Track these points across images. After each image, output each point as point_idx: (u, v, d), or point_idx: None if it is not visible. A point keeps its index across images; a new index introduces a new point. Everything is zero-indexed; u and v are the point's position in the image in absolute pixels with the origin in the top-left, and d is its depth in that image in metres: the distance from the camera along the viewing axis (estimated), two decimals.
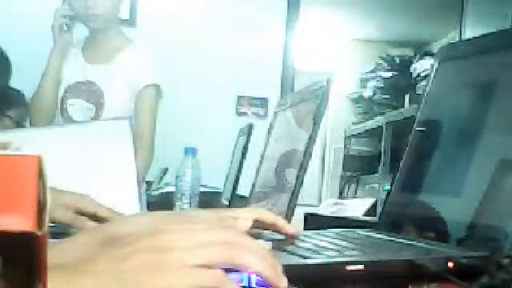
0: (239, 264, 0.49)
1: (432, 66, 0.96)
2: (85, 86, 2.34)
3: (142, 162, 2.35)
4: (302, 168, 0.94)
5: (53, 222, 1.19)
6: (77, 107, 2.34)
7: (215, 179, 2.06)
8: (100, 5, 2.27)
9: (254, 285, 0.55)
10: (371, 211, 2.52)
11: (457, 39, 4.11)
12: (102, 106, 2.33)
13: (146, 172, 2.37)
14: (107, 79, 2.33)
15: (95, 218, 1.20)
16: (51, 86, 2.32)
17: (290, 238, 0.79)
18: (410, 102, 4.19)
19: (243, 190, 1.53)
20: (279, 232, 0.79)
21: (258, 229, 0.79)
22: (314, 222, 1.64)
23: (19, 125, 2.62)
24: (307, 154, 0.94)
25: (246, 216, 0.77)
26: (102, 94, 2.33)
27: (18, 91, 2.68)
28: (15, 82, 2.69)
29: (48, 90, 2.33)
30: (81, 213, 1.19)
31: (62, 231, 1.15)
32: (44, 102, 2.34)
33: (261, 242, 0.75)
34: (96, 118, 2.32)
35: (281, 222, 0.79)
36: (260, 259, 0.50)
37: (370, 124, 4.73)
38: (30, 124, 2.46)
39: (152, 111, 2.37)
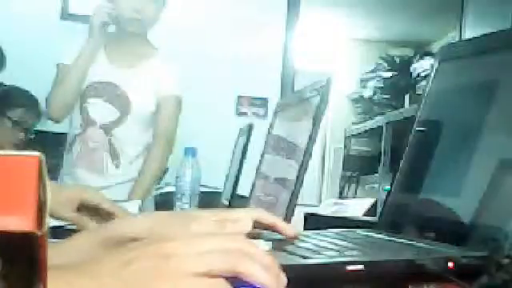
0: (241, 273, 0.49)
1: (432, 65, 0.96)
2: (108, 87, 2.31)
3: (160, 164, 2.34)
4: (302, 168, 0.94)
5: (58, 219, 1.19)
6: (98, 108, 2.31)
7: (215, 179, 2.06)
8: (145, 10, 2.27)
9: None
10: (371, 211, 2.51)
11: (457, 39, 4.11)
12: (127, 111, 2.31)
13: (153, 182, 2.36)
14: (132, 84, 2.32)
15: (98, 209, 1.20)
16: (77, 79, 2.28)
17: (290, 240, 0.78)
18: (410, 102, 4.19)
19: (243, 190, 1.53)
20: (279, 233, 0.79)
21: (259, 228, 0.79)
22: (313, 222, 1.64)
23: (19, 126, 2.63)
24: (307, 153, 0.94)
25: (245, 217, 0.77)
26: (127, 100, 2.31)
27: (23, 91, 2.68)
28: (15, 82, 2.69)
29: (73, 83, 2.28)
30: (84, 205, 1.19)
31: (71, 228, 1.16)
32: (65, 98, 2.29)
33: (261, 242, 0.75)
34: (119, 122, 2.31)
35: (280, 223, 0.79)
36: (263, 269, 0.49)
37: (370, 124, 4.73)
38: (41, 118, 2.43)
39: (174, 119, 2.36)
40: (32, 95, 2.66)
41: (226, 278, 0.49)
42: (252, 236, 0.77)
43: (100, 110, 2.30)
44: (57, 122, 2.37)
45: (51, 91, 2.33)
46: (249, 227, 0.75)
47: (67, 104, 2.30)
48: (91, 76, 2.30)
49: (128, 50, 2.35)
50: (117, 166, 2.31)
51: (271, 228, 0.79)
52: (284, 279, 0.51)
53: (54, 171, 2.35)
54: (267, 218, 0.78)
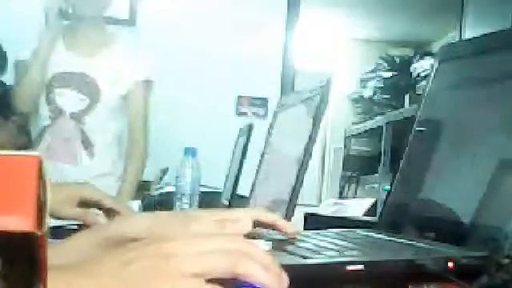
0: (241, 274, 0.49)
1: (432, 65, 0.96)
2: (76, 76, 2.31)
3: (136, 161, 2.35)
4: (302, 168, 0.94)
5: (60, 219, 1.19)
6: (67, 97, 2.30)
7: (215, 179, 2.05)
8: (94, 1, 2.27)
9: None
10: (371, 211, 2.51)
11: (457, 39, 4.11)
12: (96, 98, 2.31)
13: (141, 171, 2.37)
14: (99, 71, 2.31)
15: (99, 206, 1.19)
16: (40, 71, 2.27)
17: (290, 238, 0.78)
18: (410, 102, 4.18)
19: (243, 190, 1.53)
20: (279, 231, 0.79)
21: (259, 227, 0.79)
22: (313, 222, 1.64)
23: (22, 129, 2.62)
24: (307, 153, 0.94)
25: (245, 217, 0.77)
26: (97, 87, 2.31)
27: None
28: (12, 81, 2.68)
29: (36, 76, 2.27)
30: (85, 202, 1.19)
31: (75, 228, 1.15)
32: (31, 88, 2.28)
33: (261, 241, 0.75)
34: (90, 109, 2.31)
35: (280, 222, 0.79)
36: (263, 269, 0.49)
37: (370, 124, 4.73)
38: (15, 112, 2.43)
39: (144, 108, 2.37)
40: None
41: (227, 279, 0.49)
42: (252, 236, 0.77)
43: (68, 100, 2.30)
44: (25, 113, 2.37)
45: (15, 84, 2.33)
46: (249, 227, 0.75)
47: (33, 95, 2.29)
48: (55, 67, 2.30)
49: (88, 38, 2.35)
50: (91, 156, 2.31)
51: (271, 227, 0.79)
52: (285, 278, 0.51)
53: None
54: (267, 216, 0.78)
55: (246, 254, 0.50)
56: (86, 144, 2.31)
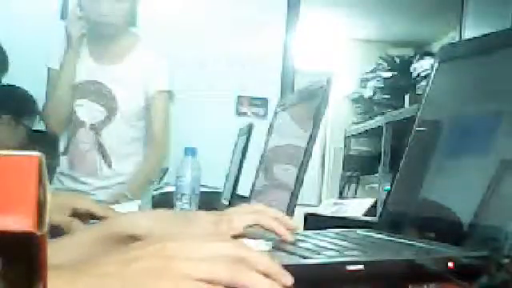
0: (244, 285, 0.49)
1: (432, 66, 0.95)
2: (94, 86, 2.30)
3: (154, 164, 2.35)
4: (302, 168, 0.94)
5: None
6: (85, 108, 2.30)
7: (215, 179, 2.05)
8: (113, 14, 2.25)
9: None
10: (371, 211, 2.51)
11: (457, 39, 4.11)
12: (114, 110, 2.30)
13: (155, 175, 2.37)
14: (118, 81, 2.31)
15: (93, 217, 1.20)
16: (67, 90, 2.27)
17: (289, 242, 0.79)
18: (410, 102, 4.18)
19: (243, 190, 1.53)
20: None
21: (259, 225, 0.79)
22: (313, 222, 1.64)
23: (21, 126, 2.62)
24: (307, 153, 0.94)
25: (244, 218, 0.77)
26: (114, 98, 2.30)
27: (23, 91, 2.68)
28: (14, 82, 2.69)
29: (65, 94, 2.27)
30: (77, 213, 1.19)
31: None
32: (62, 107, 2.29)
33: (261, 242, 0.75)
34: (107, 122, 2.31)
35: (280, 230, 0.79)
36: (264, 280, 0.49)
37: (370, 124, 4.72)
38: (46, 129, 2.44)
39: (166, 116, 2.36)
40: (31, 95, 2.66)
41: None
42: (252, 236, 0.77)
43: (87, 111, 2.30)
44: (57, 134, 2.36)
45: (45, 106, 2.33)
46: (241, 228, 0.76)
47: (64, 116, 2.30)
48: (78, 77, 2.29)
49: (111, 48, 2.33)
50: (109, 166, 2.31)
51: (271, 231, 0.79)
52: (290, 278, 0.51)
53: (50, 172, 2.35)
54: (266, 223, 0.79)
55: (247, 261, 0.50)
56: (105, 156, 2.31)
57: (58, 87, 2.27)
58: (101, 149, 2.30)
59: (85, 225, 1.18)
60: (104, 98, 2.29)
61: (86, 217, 1.20)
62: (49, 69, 2.34)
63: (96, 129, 2.30)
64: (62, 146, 2.36)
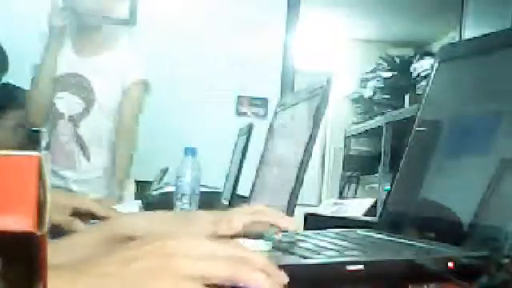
0: (242, 281, 0.49)
1: (432, 66, 0.95)
2: (75, 79, 2.30)
3: (122, 159, 2.35)
4: (302, 168, 0.94)
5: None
6: (65, 100, 2.30)
7: (215, 179, 2.05)
8: (96, 4, 2.26)
9: None
10: (371, 211, 2.51)
11: (457, 39, 4.11)
12: (92, 101, 2.31)
13: (127, 169, 2.37)
14: (97, 73, 2.31)
15: (94, 217, 1.20)
16: (49, 81, 2.27)
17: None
18: (410, 102, 4.18)
19: (243, 190, 1.53)
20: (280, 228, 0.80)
21: (259, 223, 0.79)
22: (313, 222, 1.64)
23: (21, 127, 2.62)
24: (307, 153, 0.94)
25: (243, 218, 0.78)
26: (92, 90, 2.31)
27: (23, 91, 2.67)
28: (14, 81, 2.68)
29: (46, 85, 2.27)
30: (78, 213, 1.19)
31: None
32: (44, 98, 2.29)
33: (261, 242, 0.75)
34: (85, 113, 2.31)
35: (281, 221, 0.79)
36: (263, 276, 0.49)
37: (370, 124, 4.72)
38: (29, 121, 2.44)
39: (136, 107, 2.37)
40: (21, 89, 2.65)
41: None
42: (253, 236, 0.77)
43: (66, 103, 2.30)
44: (38, 127, 2.36)
45: (27, 99, 2.32)
46: (240, 227, 0.76)
47: (45, 108, 2.30)
48: (58, 68, 2.29)
49: (92, 38, 2.34)
50: (88, 159, 2.32)
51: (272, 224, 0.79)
52: (285, 277, 0.51)
53: None
54: (268, 218, 0.79)
55: (244, 259, 0.50)
56: (83, 148, 2.32)
57: (40, 80, 2.26)
58: (79, 141, 2.31)
59: (85, 225, 1.18)
60: (84, 91, 2.29)
61: (87, 217, 1.20)
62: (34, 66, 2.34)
63: (74, 120, 2.31)
64: (44, 142, 2.36)
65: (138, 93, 2.35)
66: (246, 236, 0.77)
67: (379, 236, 0.84)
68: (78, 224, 1.17)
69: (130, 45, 2.41)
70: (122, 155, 2.34)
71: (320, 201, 6.05)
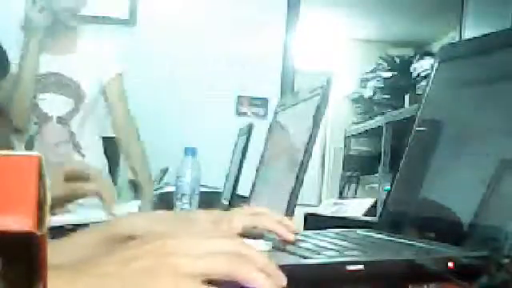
0: (241, 278, 0.49)
1: (432, 66, 0.95)
2: (54, 77, 2.28)
3: (133, 149, 2.36)
4: (302, 168, 0.94)
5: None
6: (49, 102, 2.27)
7: (215, 179, 2.05)
8: (73, 3, 2.26)
9: None
10: (371, 211, 2.51)
11: (457, 39, 4.11)
12: (80, 99, 2.31)
13: (139, 160, 2.38)
14: (76, 70, 2.29)
15: (84, 178, 1.20)
16: (32, 79, 2.22)
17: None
18: (410, 102, 4.18)
19: (243, 190, 1.53)
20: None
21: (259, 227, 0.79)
22: (313, 222, 1.64)
23: (16, 132, 2.60)
24: (307, 153, 0.94)
25: (243, 219, 0.78)
26: (79, 86, 2.30)
27: None
28: None
29: (29, 84, 2.22)
30: (70, 177, 1.19)
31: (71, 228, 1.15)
32: (27, 98, 2.23)
33: (261, 241, 0.75)
34: (75, 111, 2.31)
35: (280, 230, 0.79)
36: (262, 273, 0.49)
37: (370, 124, 4.72)
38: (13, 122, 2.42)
39: (124, 98, 2.37)
40: None
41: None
42: (252, 236, 0.77)
43: (52, 104, 2.28)
44: (22, 130, 2.31)
45: (10, 102, 2.25)
46: (240, 228, 0.76)
47: (27, 109, 2.25)
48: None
49: (64, 37, 2.32)
50: (83, 156, 2.32)
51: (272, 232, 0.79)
52: (284, 278, 0.51)
53: None
54: (268, 224, 0.79)
55: (245, 257, 0.50)
56: (77, 146, 2.31)
57: (22, 80, 2.20)
58: (72, 139, 2.30)
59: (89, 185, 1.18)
60: (68, 89, 2.28)
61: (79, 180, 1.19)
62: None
63: (65, 120, 2.30)
64: (22, 145, 2.32)
65: (118, 87, 2.36)
66: (245, 236, 0.77)
67: (379, 236, 0.84)
68: (80, 187, 1.17)
69: (104, 40, 2.42)
70: (135, 154, 2.36)
71: (320, 201, 6.06)
